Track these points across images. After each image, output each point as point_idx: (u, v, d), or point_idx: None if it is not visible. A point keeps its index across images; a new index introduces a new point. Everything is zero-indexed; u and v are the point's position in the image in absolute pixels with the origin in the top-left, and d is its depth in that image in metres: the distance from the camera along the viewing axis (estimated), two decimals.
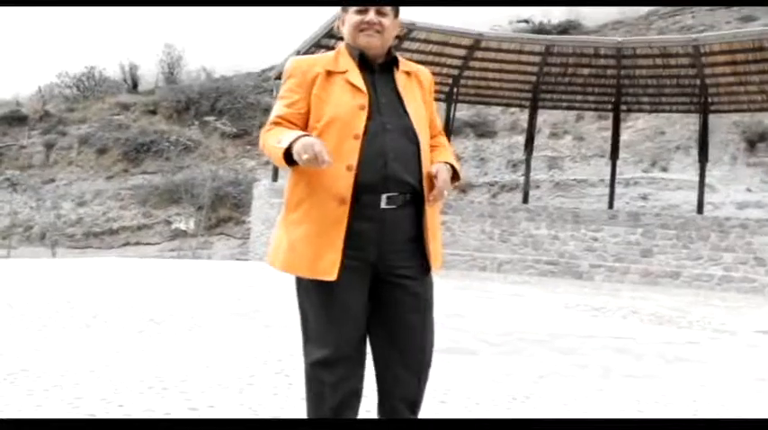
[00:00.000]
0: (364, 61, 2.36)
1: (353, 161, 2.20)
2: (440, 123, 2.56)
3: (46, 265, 11.61)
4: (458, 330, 5.94)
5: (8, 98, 38.62)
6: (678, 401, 3.92)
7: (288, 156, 2.15)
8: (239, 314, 6.40)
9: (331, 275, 2.19)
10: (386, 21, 2.36)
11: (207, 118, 29.00)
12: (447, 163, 2.33)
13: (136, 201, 27.21)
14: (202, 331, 5.39)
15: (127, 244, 25.79)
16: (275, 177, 17.79)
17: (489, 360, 4.88)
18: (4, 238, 26.41)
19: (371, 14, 2.34)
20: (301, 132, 2.20)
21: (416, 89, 2.43)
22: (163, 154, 28.92)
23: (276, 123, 2.31)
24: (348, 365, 2.27)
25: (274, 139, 2.23)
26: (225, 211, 25.75)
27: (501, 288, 11.43)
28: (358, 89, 2.30)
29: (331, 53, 2.43)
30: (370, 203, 2.22)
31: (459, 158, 2.48)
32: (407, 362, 2.30)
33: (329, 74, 2.33)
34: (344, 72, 2.33)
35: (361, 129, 2.24)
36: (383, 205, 2.23)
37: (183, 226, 23.78)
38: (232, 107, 31.71)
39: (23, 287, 7.69)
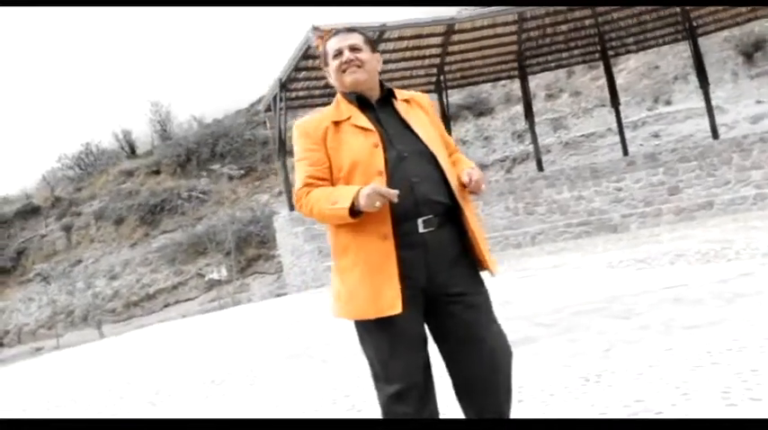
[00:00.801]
0: (363, 101, 2.43)
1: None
2: (452, 141, 2.62)
3: (96, 349, 11.74)
4: (510, 319, 5.92)
5: (17, 193, 39.16)
6: (750, 343, 3.88)
7: (352, 212, 2.22)
8: (294, 355, 6.42)
9: (396, 309, 2.23)
10: (362, 55, 2.44)
11: (211, 166, 29.15)
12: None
13: (164, 262, 27.41)
14: (264, 382, 5.42)
15: (167, 305, 25.98)
16: (292, 206, 17.83)
17: (550, 344, 4.86)
18: (49, 329, 26.76)
19: (346, 53, 2.43)
20: (351, 188, 2.26)
21: (420, 113, 2.49)
22: (177, 210, 29.14)
23: (309, 185, 2.38)
24: (421, 393, 2.31)
25: (326, 203, 2.29)
26: (252, 251, 25.86)
27: (540, 262, 11.38)
28: (366, 129, 2.36)
29: (330, 106, 2.50)
30: (409, 231, 2.27)
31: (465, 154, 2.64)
32: (485, 376, 2.34)
33: (336, 124, 2.41)
34: (349, 118, 2.41)
35: (381, 165, 2.30)
36: (421, 229, 2.28)
37: (216, 275, 23.92)
38: (231, 148, 31.87)
39: (82, 378, 7.78)
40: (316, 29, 15.47)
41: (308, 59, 16.66)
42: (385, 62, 18.38)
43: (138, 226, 30.56)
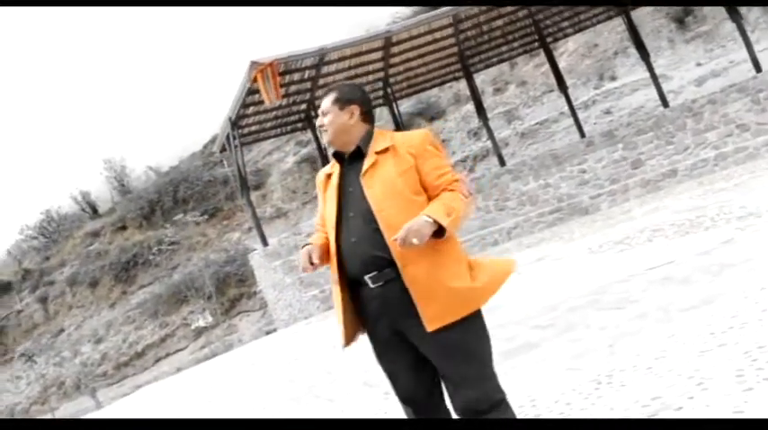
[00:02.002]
0: (340, 157, 2.73)
1: (335, 253, 2.59)
2: (447, 173, 2.62)
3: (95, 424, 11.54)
4: (505, 325, 5.99)
5: None
6: (750, 318, 3.98)
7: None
8: (297, 398, 6.40)
9: (343, 345, 2.66)
10: (327, 118, 2.71)
11: (176, 216, 28.95)
12: (429, 215, 2.43)
13: (147, 317, 27.12)
14: None
15: (158, 360, 25.69)
16: (265, 242, 17.78)
17: (552, 347, 4.93)
18: (42, 404, 26.28)
19: (318, 119, 2.74)
20: (310, 242, 2.69)
21: (392, 164, 2.58)
22: (151, 263, 28.86)
23: (316, 230, 2.79)
24: (419, 406, 2.60)
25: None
26: (233, 291, 25.72)
27: (521, 257, 11.48)
28: (333, 186, 2.68)
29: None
30: (365, 285, 2.52)
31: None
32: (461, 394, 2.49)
33: (328, 177, 2.75)
34: (333, 172, 2.72)
35: (333, 223, 2.61)
36: (371, 285, 2.50)
37: (201, 322, 23.74)
38: (193, 192, 31.72)
39: None
40: (254, 63, 15.47)
41: (253, 94, 16.64)
42: (330, 84, 18.60)
43: (114, 285, 30.19)
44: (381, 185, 2.53)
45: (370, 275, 2.48)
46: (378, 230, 2.48)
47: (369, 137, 2.68)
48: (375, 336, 2.60)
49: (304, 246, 2.66)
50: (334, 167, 2.73)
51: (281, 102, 17.84)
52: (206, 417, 7.35)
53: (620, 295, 5.83)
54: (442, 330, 2.43)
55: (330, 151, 2.77)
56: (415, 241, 2.34)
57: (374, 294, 2.50)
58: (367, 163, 2.59)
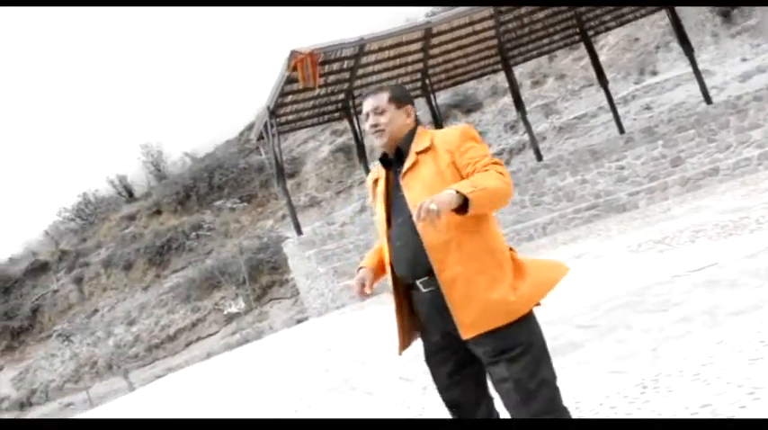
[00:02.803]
0: (384, 161, 2.69)
1: (388, 258, 2.58)
2: (484, 158, 2.51)
3: (130, 405, 11.74)
4: (549, 323, 5.91)
5: (22, 251, 39.23)
6: None
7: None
8: (334, 389, 6.42)
9: (399, 351, 2.65)
10: (384, 117, 2.63)
11: (214, 202, 29.22)
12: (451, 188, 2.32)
13: (180, 301, 27.46)
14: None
15: (189, 343, 26.02)
16: (299, 230, 17.86)
17: (596, 348, 4.87)
18: (76, 382, 26.81)
19: (371, 117, 2.64)
20: (365, 263, 2.72)
21: (432, 163, 2.53)
22: (184, 247, 29.21)
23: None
24: (462, 410, 2.57)
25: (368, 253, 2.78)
26: (266, 278, 25.91)
27: (558, 254, 11.39)
28: (381, 191, 2.66)
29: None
30: (417, 290, 2.52)
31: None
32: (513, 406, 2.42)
33: (376, 181, 2.72)
34: (381, 176, 2.69)
35: (385, 229, 2.61)
36: (422, 289, 2.49)
37: (233, 308, 23.97)
38: (228, 178, 31.97)
39: None
40: (294, 52, 15.51)
41: (292, 83, 16.69)
42: (368, 74, 18.60)
43: (148, 268, 30.62)
44: (420, 187, 2.48)
45: (422, 280, 2.47)
46: (419, 238, 2.46)
47: (411, 136, 2.63)
48: (427, 339, 2.58)
49: (359, 269, 2.69)
50: (380, 171, 2.70)
51: (319, 91, 17.90)
52: (245, 409, 7.43)
53: (663, 297, 5.73)
54: (483, 336, 2.38)
55: (377, 152, 2.77)
56: (432, 206, 2.19)
57: (424, 298, 2.49)
58: (407, 164, 2.56)
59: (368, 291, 2.62)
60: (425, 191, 2.43)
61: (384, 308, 11.76)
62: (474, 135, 2.60)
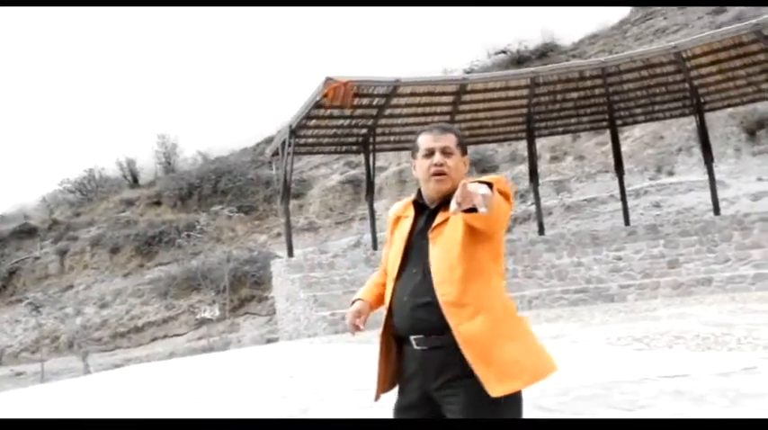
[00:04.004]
0: (419, 205, 2.54)
1: (388, 302, 2.49)
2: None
3: (83, 387, 11.56)
4: None
5: (14, 212, 39.11)
6: None
7: None
8: (289, 417, 6.32)
9: (375, 396, 2.54)
10: (452, 161, 2.47)
11: (213, 207, 29.22)
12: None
13: (156, 295, 27.26)
14: None
15: (155, 339, 25.75)
16: (290, 253, 17.82)
17: None
18: (33, 353, 26.46)
19: (437, 156, 2.46)
20: (360, 297, 2.66)
21: (456, 225, 2.40)
22: (174, 243, 29.10)
23: (380, 270, 2.70)
24: None
25: (362, 288, 2.73)
26: (246, 291, 25.75)
27: (537, 330, 11.25)
28: (404, 234, 2.51)
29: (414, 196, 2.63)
30: (410, 344, 2.43)
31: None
32: None
33: (398, 219, 2.59)
34: (407, 217, 2.55)
35: (395, 274, 2.48)
36: (415, 346, 2.40)
37: (207, 314, 23.77)
38: (234, 186, 32.01)
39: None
40: (329, 79, 15.68)
41: (319, 108, 16.87)
42: (395, 116, 18.75)
43: (134, 256, 30.47)
44: (444, 248, 2.38)
45: (417, 337, 2.39)
46: (430, 290, 2.37)
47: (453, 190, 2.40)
48: (404, 394, 2.47)
49: (355, 301, 2.63)
50: (407, 211, 2.56)
51: (342, 121, 18.06)
52: (191, 416, 7.30)
53: (630, 396, 5.65)
54: (481, 402, 2.27)
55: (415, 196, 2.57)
56: (470, 188, 2.08)
57: (415, 355, 2.41)
58: (439, 218, 2.42)
59: (361, 326, 2.57)
60: (443, 253, 2.37)
61: (353, 346, 11.65)
62: (504, 188, 2.34)
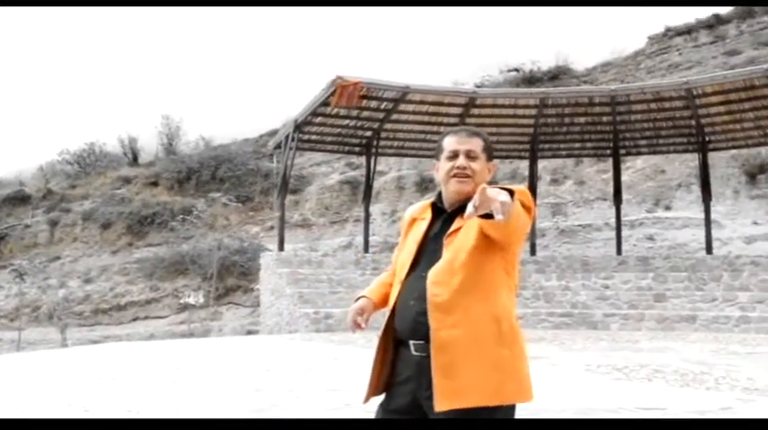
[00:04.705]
0: (437, 208, 2.48)
1: (392, 304, 2.42)
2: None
3: (59, 361, 11.48)
4: None
5: (10, 178, 38.98)
6: None
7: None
8: (260, 410, 6.27)
9: (365, 399, 2.45)
10: (476, 165, 2.42)
11: (211, 194, 29.11)
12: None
13: (142, 275, 27.14)
14: None
15: (136, 319, 25.64)
16: (281, 247, 17.77)
17: None
18: (12, 321, 26.30)
19: (461, 159, 2.41)
20: (365, 294, 2.59)
21: (473, 232, 2.33)
22: (167, 225, 28.98)
23: (392, 271, 2.60)
24: None
25: (369, 286, 2.67)
26: (232, 280, 25.66)
27: None
28: (418, 236, 2.45)
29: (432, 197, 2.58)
30: (408, 348, 2.36)
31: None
32: None
33: (413, 221, 2.52)
34: (423, 219, 2.49)
35: (404, 276, 2.41)
36: (414, 351, 2.33)
37: (191, 299, 23.67)
38: (233, 175, 31.92)
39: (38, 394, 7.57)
40: (339, 77, 15.67)
41: (326, 106, 16.85)
42: (401, 121, 18.72)
43: (124, 234, 30.35)
44: (452, 252, 2.34)
45: (416, 343, 2.33)
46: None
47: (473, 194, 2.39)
48: (393, 396, 2.41)
49: (359, 298, 2.56)
50: (424, 213, 2.50)
51: (348, 122, 18.03)
52: (164, 399, 7.25)
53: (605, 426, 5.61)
54: (458, 416, 2.20)
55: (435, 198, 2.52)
56: (489, 193, 2.03)
57: (412, 360, 2.34)
58: (458, 223, 2.36)
59: (363, 325, 2.50)
60: (449, 256, 2.33)
61: (333, 346, 11.61)
62: (525, 200, 2.27)
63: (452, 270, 2.32)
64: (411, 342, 2.33)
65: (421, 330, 2.30)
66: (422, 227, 2.45)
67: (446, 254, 2.34)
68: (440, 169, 2.47)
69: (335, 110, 17.31)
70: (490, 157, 2.47)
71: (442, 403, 2.21)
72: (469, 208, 2.08)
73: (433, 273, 2.32)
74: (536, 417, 5.86)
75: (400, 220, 2.60)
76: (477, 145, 2.44)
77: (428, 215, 2.47)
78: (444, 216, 2.44)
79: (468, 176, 2.39)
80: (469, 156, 2.41)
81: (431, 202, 2.51)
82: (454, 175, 2.39)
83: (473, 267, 2.31)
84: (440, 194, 2.49)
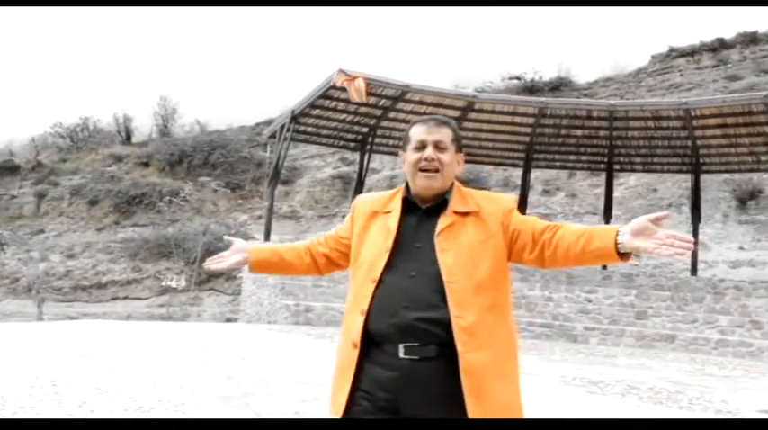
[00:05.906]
0: (409, 204, 2.32)
1: (365, 306, 2.21)
2: (539, 223, 2.33)
3: (34, 334, 11.37)
4: None
5: (1, 148, 38.64)
6: None
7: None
8: (229, 397, 6.20)
9: (337, 414, 2.21)
10: (445, 156, 2.30)
11: (201, 178, 28.96)
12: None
13: (126, 255, 26.98)
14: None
15: (115, 298, 25.48)
16: (267, 237, 17.67)
17: None
18: None
19: (429, 150, 2.29)
20: (262, 250, 2.55)
21: (473, 230, 2.27)
22: (154, 207, 28.82)
23: (312, 243, 2.55)
24: None
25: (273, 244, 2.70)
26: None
27: None
28: (390, 232, 2.27)
29: (393, 190, 2.40)
30: (388, 351, 2.19)
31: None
32: None
33: (373, 214, 2.34)
34: (388, 212, 2.32)
35: (378, 274, 2.22)
36: (401, 355, 2.17)
37: (173, 283, 23.53)
38: (225, 161, 31.79)
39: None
40: (342, 71, 15.57)
41: (325, 99, 16.78)
42: (398, 120, 18.64)
43: (111, 212, 30.17)
44: (455, 253, 2.21)
45: (406, 345, 2.16)
46: (442, 301, 2.17)
47: (451, 190, 2.32)
48: (361, 403, 2.21)
49: (232, 237, 2.56)
50: (390, 206, 2.33)
51: (345, 116, 17.93)
52: (136, 380, 7.18)
53: None
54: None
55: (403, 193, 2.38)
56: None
57: (397, 365, 2.17)
58: (445, 221, 2.25)
59: (221, 266, 2.46)
60: (463, 258, 2.20)
61: (311, 340, 11.54)
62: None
63: (476, 289, 2.21)
64: (401, 345, 2.16)
65: (411, 334, 2.17)
66: (390, 221, 2.29)
67: (443, 256, 2.23)
68: (406, 160, 2.35)
69: (334, 103, 17.21)
70: (459, 148, 2.36)
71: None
72: (652, 245, 2.07)
73: (456, 291, 2.18)
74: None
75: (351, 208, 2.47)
76: (446, 135, 2.33)
77: (396, 209, 2.32)
78: (420, 212, 2.31)
79: (436, 170, 2.28)
80: (438, 146, 2.30)
81: (398, 196, 2.36)
82: (421, 169, 2.28)
83: (491, 285, 2.23)
84: (407, 186, 2.36)
